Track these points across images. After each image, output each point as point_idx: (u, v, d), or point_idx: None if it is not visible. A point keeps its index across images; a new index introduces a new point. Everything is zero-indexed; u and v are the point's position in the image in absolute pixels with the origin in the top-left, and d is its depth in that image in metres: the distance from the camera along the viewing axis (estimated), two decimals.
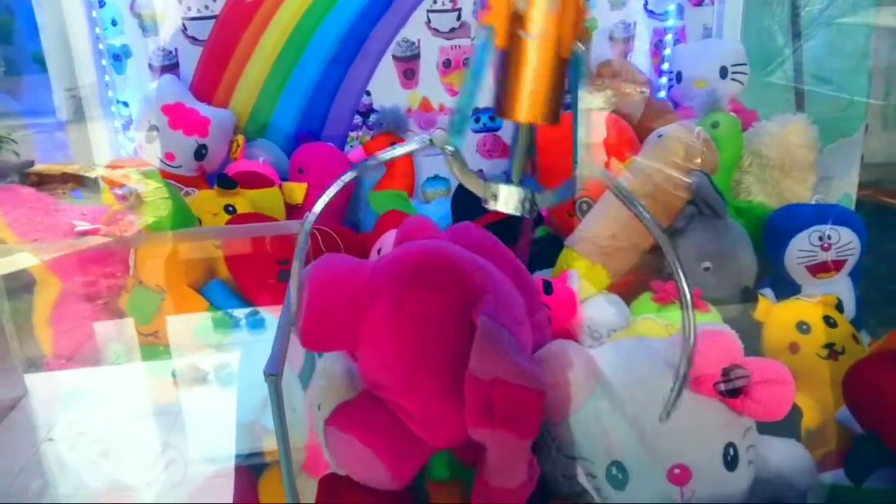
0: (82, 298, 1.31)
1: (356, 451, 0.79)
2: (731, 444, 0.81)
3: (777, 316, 1.27)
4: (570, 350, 0.87)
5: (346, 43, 1.87)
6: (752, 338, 0.88)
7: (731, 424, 0.82)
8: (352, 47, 1.88)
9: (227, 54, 1.84)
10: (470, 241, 0.96)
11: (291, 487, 0.74)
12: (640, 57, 2.05)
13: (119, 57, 1.87)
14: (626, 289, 1.34)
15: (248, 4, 1.81)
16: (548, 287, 1.24)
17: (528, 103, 0.65)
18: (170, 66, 1.84)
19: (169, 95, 1.74)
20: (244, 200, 1.55)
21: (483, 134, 1.99)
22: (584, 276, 1.32)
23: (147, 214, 1.33)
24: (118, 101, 1.90)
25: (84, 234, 1.27)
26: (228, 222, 1.49)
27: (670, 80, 2.03)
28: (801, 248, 1.40)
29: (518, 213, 0.71)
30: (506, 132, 1.99)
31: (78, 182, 1.47)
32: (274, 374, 0.68)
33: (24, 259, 1.28)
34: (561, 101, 0.66)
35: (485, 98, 2.06)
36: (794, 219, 1.45)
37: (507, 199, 0.71)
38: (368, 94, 1.93)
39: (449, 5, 1.88)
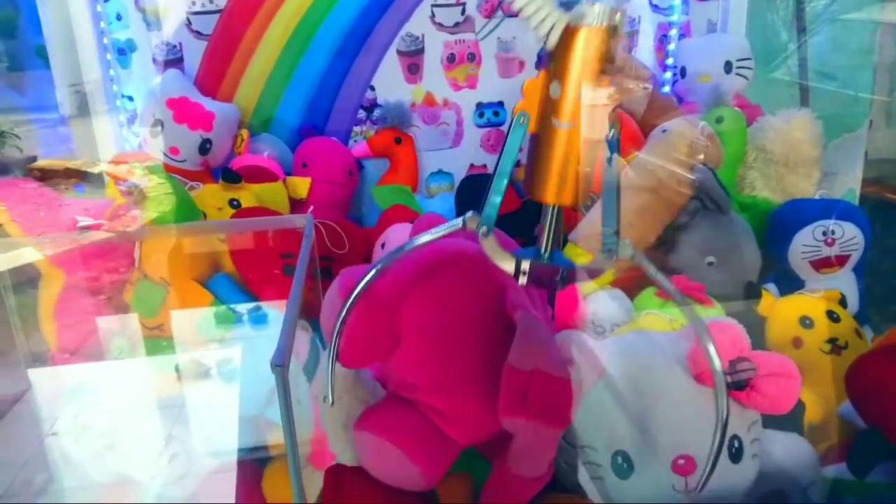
0: (86, 292, 1.32)
1: (388, 453, 0.79)
2: (735, 437, 0.81)
3: (780, 311, 1.27)
4: (574, 340, 0.87)
5: (350, 37, 1.87)
6: (755, 332, 0.87)
7: (737, 417, 0.82)
8: (356, 42, 1.88)
9: (231, 49, 1.84)
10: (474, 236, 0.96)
11: (297, 478, 0.74)
12: (645, 52, 2.05)
13: (124, 51, 1.87)
14: (630, 284, 1.34)
15: None
16: None
17: (556, 187, 0.66)
18: (174, 60, 1.84)
19: (173, 90, 1.74)
20: (248, 194, 1.55)
21: (487, 129, 1.99)
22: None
23: (150, 210, 1.33)
24: (123, 96, 1.91)
25: (86, 229, 1.28)
26: (233, 216, 1.49)
27: (675, 74, 2.02)
28: (805, 244, 1.40)
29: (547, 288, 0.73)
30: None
31: (81, 177, 1.47)
32: (281, 365, 0.68)
33: (30, 253, 1.29)
34: (589, 183, 0.67)
35: (489, 92, 2.05)
36: (798, 214, 1.45)
37: (538, 280, 0.73)
38: (372, 88, 1.93)
39: (453, 0, 1.88)
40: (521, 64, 1.95)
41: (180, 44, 1.84)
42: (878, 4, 1.90)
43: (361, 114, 1.95)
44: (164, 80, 1.76)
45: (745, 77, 1.90)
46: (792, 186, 1.60)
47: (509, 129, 0.67)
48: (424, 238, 0.74)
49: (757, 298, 1.27)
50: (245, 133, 1.81)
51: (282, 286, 1.31)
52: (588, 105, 0.63)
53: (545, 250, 0.71)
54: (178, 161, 1.72)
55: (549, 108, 0.65)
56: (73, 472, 1.14)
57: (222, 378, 1.26)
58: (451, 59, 1.92)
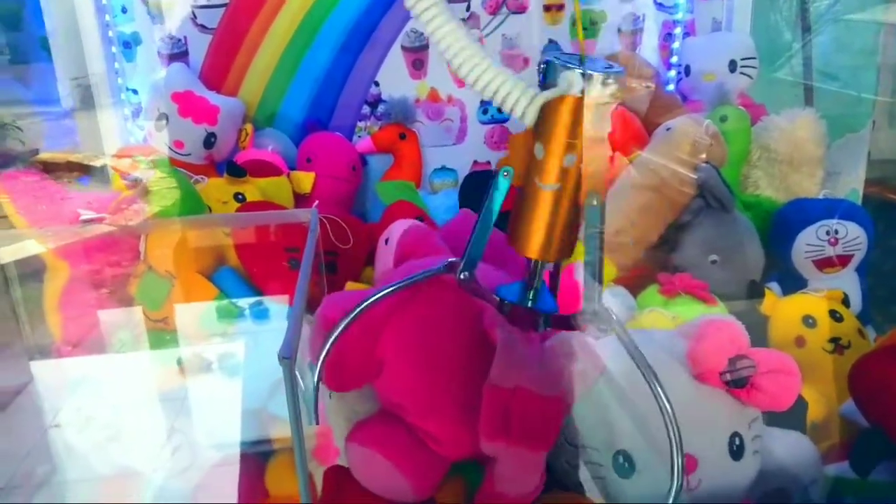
0: (91, 285, 1.32)
1: (378, 465, 0.79)
2: (736, 434, 0.81)
3: (783, 310, 1.27)
4: (574, 339, 0.87)
5: (354, 33, 1.87)
6: (758, 331, 0.88)
7: (737, 414, 0.82)
8: (360, 37, 1.88)
9: (236, 43, 1.84)
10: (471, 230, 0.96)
11: (303, 469, 0.74)
12: (649, 50, 2.05)
13: (129, 44, 1.87)
14: (632, 283, 1.35)
15: None
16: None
17: (539, 244, 0.66)
18: (179, 54, 1.84)
19: (178, 83, 1.74)
20: (253, 189, 1.55)
21: (491, 125, 1.99)
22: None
23: (152, 204, 1.34)
24: (127, 89, 1.91)
25: (89, 222, 1.28)
26: (238, 210, 1.50)
27: (679, 73, 2.02)
28: (808, 243, 1.41)
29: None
30: (514, 125, 1.99)
31: (83, 170, 1.48)
32: (288, 357, 0.68)
33: (35, 245, 1.29)
34: (573, 240, 0.68)
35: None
36: (801, 213, 1.45)
37: (519, 319, 0.74)
38: (377, 84, 1.93)
39: None
40: (526, 60, 1.94)
41: (185, 37, 1.84)
42: (882, 5, 1.90)
43: (366, 109, 1.95)
44: (170, 74, 1.76)
45: (749, 76, 1.90)
46: (795, 186, 1.60)
47: (493, 183, 0.67)
48: (408, 281, 0.76)
49: (760, 297, 1.27)
50: (249, 127, 1.81)
51: (286, 280, 1.32)
52: (590, 103, 0.63)
53: (529, 300, 0.72)
54: (182, 154, 1.73)
55: (533, 167, 0.64)
56: (76, 463, 1.14)
57: (225, 371, 1.27)
58: None
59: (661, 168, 1.40)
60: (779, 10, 2.07)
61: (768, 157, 1.62)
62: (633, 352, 0.69)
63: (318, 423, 0.79)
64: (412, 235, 0.95)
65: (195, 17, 1.82)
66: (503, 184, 0.67)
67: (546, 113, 0.62)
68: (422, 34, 1.89)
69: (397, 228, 1.40)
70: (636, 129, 1.69)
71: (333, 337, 0.73)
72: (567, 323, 0.72)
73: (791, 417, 0.91)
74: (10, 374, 1.20)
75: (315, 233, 1.15)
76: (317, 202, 1.48)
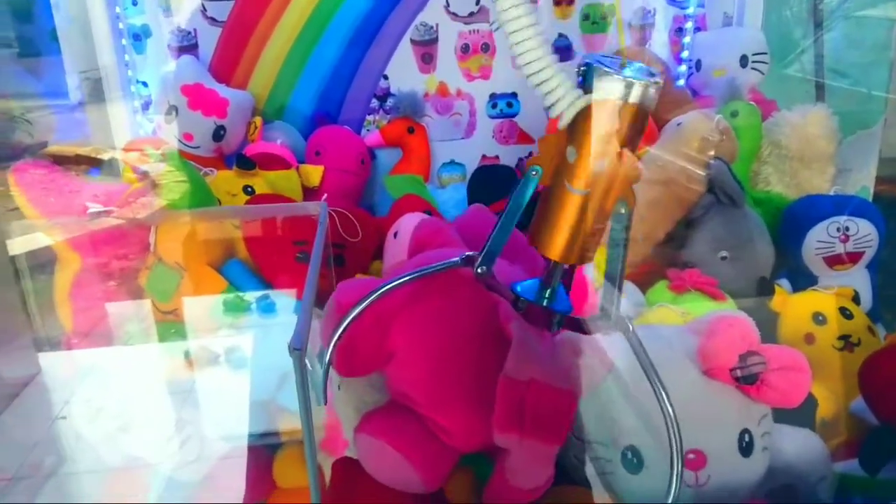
0: (102, 276, 1.32)
1: (388, 456, 0.79)
2: (746, 431, 0.81)
3: (793, 306, 1.27)
4: (583, 336, 0.87)
5: (364, 26, 1.87)
6: (767, 328, 0.88)
7: (747, 411, 0.82)
8: (370, 30, 1.88)
9: (245, 36, 1.84)
10: (483, 226, 0.96)
11: (313, 459, 0.74)
12: (660, 44, 2.04)
13: (139, 37, 1.88)
14: (641, 279, 1.34)
15: None
16: None
17: (562, 246, 0.66)
18: (189, 46, 1.84)
19: (188, 76, 1.75)
20: (262, 181, 1.56)
21: (500, 120, 1.99)
22: (598, 266, 1.32)
23: (161, 197, 1.34)
24: (137, 82, 1.91)
25: (97, 216, 1.28)
26: (247, 203, 1.50)
27: (690, 68, 2.01)
28: (819, 239, 1.40)
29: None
30: (522, 119, 1.99)
31: (92, 163, 1.48)
32: (299, 348, 0.68)
33: (46, 237, 1.30)
34: (596, 246, 0.67)
35: (503, 83, 2.05)
36: (812, 210, 1.44)
37: (533, 317, 0.73)
38: (386, 77, 1.93)
39: None
40: None
41: (195, 30, 1.84)
42: (894, 1, 1.88)
43: (374, 103, 1.95)
44: (179, 67, 1.77)
45: (760, 71, 1.89)
46: (806, 182, 1.59)
47: (520, 181, 0.67)
48: (424, 271, 0.76)
49: (770, 294, 1.27)
50: (258, 120, 1.81)
51: (294, 273, 1.32)
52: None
53: (545, 299, 0.71)
54: (191, 147, 1.73)
55: (563, 169, 0.64)
56: (84, 455, 1.15)
57: (233, 364, 1.27)
58: (465, 50, 1.92)
59: (670, 164, 1.39)
60: (790, 6, 2.06)
61: (779, 154, 1.61)
62: (641, 354, 0.68)
63: (325, 404, 0.79)
64: (427, 227, 0.95)
65: (205, 9, 1.82)
66: (531, 182, 0.66)
67: (582, 117, 0.61)
68: (431, 27, 1.89)
69: (406, 222, 1.40)
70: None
71: (347, 322, 0.73)
72: (580, 326, 0.72)
73: (800, 414, 0.90)
74: (18, 366, 1.21)
75: (324, 226, 1.15)
76: (325, 195, 1.48)
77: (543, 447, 0.74)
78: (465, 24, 1.90)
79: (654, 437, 0.81)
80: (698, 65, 1.97)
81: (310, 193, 1.68)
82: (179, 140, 1.72)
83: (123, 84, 1.91)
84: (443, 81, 1.94)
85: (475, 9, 1.89)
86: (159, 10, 1.83)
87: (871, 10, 1.93)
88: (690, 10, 2.00)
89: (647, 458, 0.81)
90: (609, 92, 0.59)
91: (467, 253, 0.73)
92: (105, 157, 1.50)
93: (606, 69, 0.59)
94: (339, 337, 0.73)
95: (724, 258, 1.36)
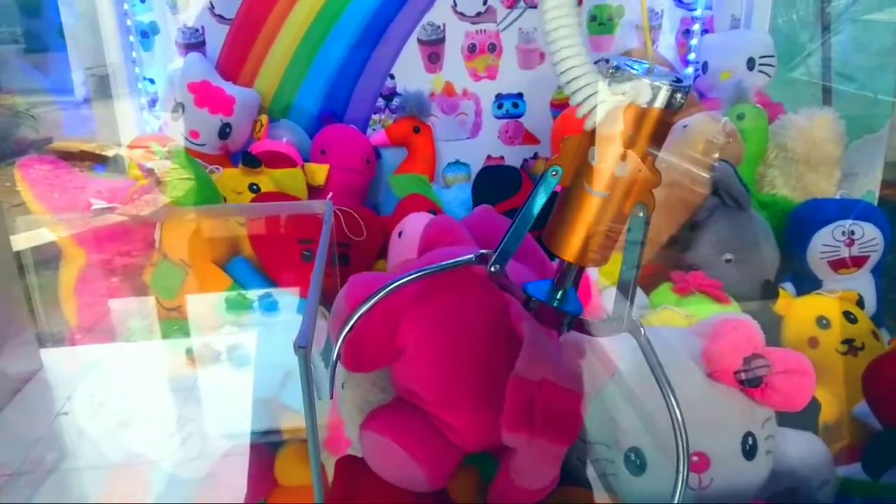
0: (107, 272, 1.33)
1: (393, 454, 0.79)
2: (749, 434, 0.81)
3: (797, 310, 1.27)
4: (586, 338, 0.87)
5: (371, 25, 1.87)
6: (772, 331, 0.87)
7: (751, 414, 0.82)
8: (377, 30, 1.88)
9: (253, 34, 1.84)
10: (490, 226, 0.96)
11: (316, 457, 0.74)
12: (667, 46, 2.03)
13: (147, 34, 1.88)
14: (645, 281, 1.34)
15: None
16: None
17: (577, 248, 0.65)
18: (196, 44, 1.85)
19: (195, 73, 1.75)
20: (267, 179, 1.56)
21: (505, 120, 1.98)
22: (601, 270, 1.32)
23: (166, 194, 1.34)
24: (145, 78, 1.92)
25: (100, 212, 1.28)
26: (253, 201, 1.50)
27: (696, 69, 2.01)
28: (824, 243, 1.40)
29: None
30: (528, 120, 1.99)
31: (96, 160, 1.48)
32: (304, 346, 0.68)
33: (50, 232, 1.30)
34: (612, 247, 0.66)
35: (509, 83, 2.04)
36: (818, 213, 1.44)
37: (544, 317, 0.73)
38: (392, 77, 1.93)
39: None
40: (542, 55, 1.94)
41: (202, 27, 1.84)
42: None
43: (380, 102, 1.95)
44: (186, 64, 1.77)
45: (767, 74, 1.88)
46: (812, 185, 1.58)
47: (539, 180, 0.67)
48: (436, 268, 0.75)
49: (774, 297, 1.27)
50: (264, 118, 1.81)
51: (299, 271, 1.32)
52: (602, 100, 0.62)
53: (557, 300, 0.71)
54: (198, 144, 1.73)
55: (584, 170, 0.63)
56: (86, 450, 1.15)
57: (236, 361, 1.27)
58: (471, 49, 1.92)
59: (677, 165, 1.39)
60: (797, 9, 2.05)
61: (785, 157, 1.61)
62: (651, 358, 0.68)
63: (332, 398, 0.79)
64: (438, 225, 0.94)
65: (213, 7, 1.83)
66: (551, 183, 0.66)
67: (608, 119, 0.61)
68: (438, 27, 1.89)
69: (411, 221, 1.40)
70: None
71: (356, 317, 0.73)
72: (584, 327, 0.72)
73: (804, 418, 0.90)
74: (20, 361, 1.21)
75: (330, 224, 1.15)
76: (331, 194, 1.48)
77: (552, 447, 0.74)
78: (473, 24, 1.90)
79: (657, 439, 0.81)
80: (705, 67, 1.97)
81: (315, 192, 1.68)
82: (186, 137, 1.73)
83: (130, 81, 1.91)
84: (449, 81, 1.94)
85: (482, 9, 1.88)
86: (167, 7, 1.83)
87: (878, 14, 1.93)
88: (698, 13, 2.00)
89: (650, 461, 0.81)
90: (636, 95, 0.59)
91: (481, 251, 0.72)
92: (110, 153, 1.51)
93: (635, 72, 0.59)
94: (349, 331, 0.73)
95: (728, 261, 1.35)
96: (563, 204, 0.66)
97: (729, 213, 1.36)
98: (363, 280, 0.80)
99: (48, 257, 1.35)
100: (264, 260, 1.36)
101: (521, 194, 1.69)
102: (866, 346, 1.20)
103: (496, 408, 0.71)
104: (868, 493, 0.93)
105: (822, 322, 1.22)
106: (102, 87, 1.91)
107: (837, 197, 1.55)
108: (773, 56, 1.88)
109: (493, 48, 1.92)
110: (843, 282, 1.41)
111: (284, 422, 1.13)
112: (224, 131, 1.74)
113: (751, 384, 0.82)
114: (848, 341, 1.20)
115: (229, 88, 1.77)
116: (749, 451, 0.81)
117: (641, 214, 0.64)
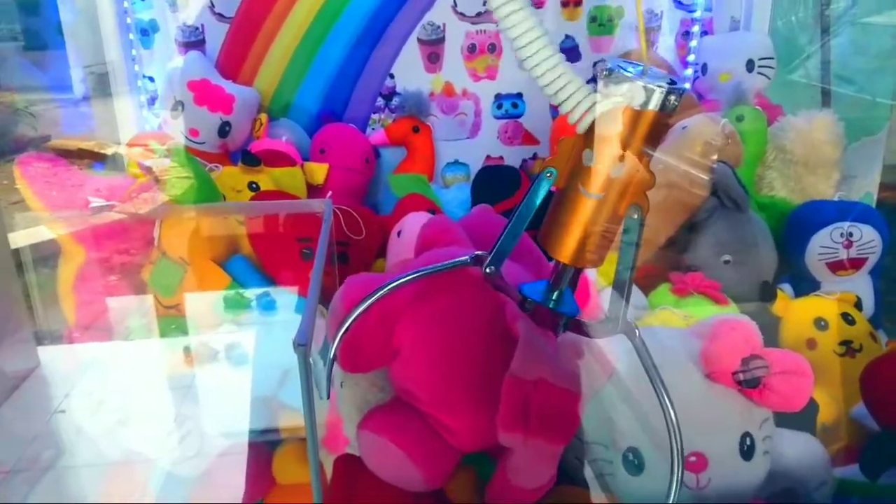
0: (105, 270, 1.33)
1: (390, 454, 0.79)
2: (747, 434, 0.81)
3: (795, 311, 1.27)
4: (584, 338, 0.87)
5: (371, 25, 1.87)
6: (770, 333, 0.88)
7: (749, 414, 0.82)
8: (377, 29, 1.88)
9: (253, 32, 1.84)
10: (489, 226, 0.96)
11: (315, 455, 0.74)
12: (666, 48, 2.04)
13: (147, 31, 1.88)
14: (643, 282, 1.34)
15: None
16: None
17: (573, 249, 0.65)
18: (196, 42, 1.85)
19: (195, 71, 1.75)
20: (267, 178, 1.56)
21: (505, 120, 1.99)
22: (606, 271, 1.32)
23: (165, 192, 1.34)
24: (144, 76, 1.92)
25: (99, 210, 1.28)
26: (252, 199, 1.50)
27: (696, 71, 2.01)
28: (822, 245, 1.40)
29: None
30: (527, 120, 1.99)
31: (95, 158, 1.48)
32: (304, 344, 0.68)
33: (49, 230, 1.30)
34: (607, 248, 0.67)
35: (509, 83, 2.04)
36: (816, 215, 1.44)
37: (539, 318, 0.73)
38: (392, 76, 1.93)
39: None
40: None
41: (202, 25, 1.84)
42: None
43: (380, 101, 1.95)
44: (187, 62, 1.77)
45: (766, 76, 1.88)
46: (811, 187, 1.59)
47: (534, 182, 0.67)
48: (432, 269, 0.75)
49: (772, 299, 1.27)
50: (264, 117, 1.81)
51: (298, 269, 1.32)
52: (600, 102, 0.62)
53: (552, 301, 0.71)
54: (197, 143, 1.73)
55: (579, 172, 0.63)
56: (83, 448, 1.15)
57: (234, 360, 1.27)
58: (471, 50, 1.92)
59: (675, 167, 1.39)
60: (797, 12, 2.05)
61: (784, 158, 1.61)
62: (646, 360, 0.68)
63: (328, 398, 0.79)
64: (435, 226, 0.94)
65: (213, 5, 1.83)
66: (545, 184, 0.66)
67: (601, 121, 0.61)
68: (438, 27, 1.89)
69: (410, 221, 1.40)
70: None
71: (353, 317, 0.73)
72: (581, 328, 0.72)
73: (801, 419, 0.91)
74: (18, 359, 1.21)
75: (329, 223, 1.15)
76: (330, 193, 1.48)
77: (549, 447, 0.74)
78: (472, 24, 1.90)
79: (655, 439, 0.81)
80: (704, 68, 1.97)
81: (314, 191, 1.68)
82: (185, 135, 1.73)
83: (130, 79, 1.91)
84: (448, 81, 1.94)
85: (482, 9, 1.89)
86: (167, 5, 1.83)
87: (877, 17, 1.93)
88: (697, 14, 2.00)
89: (648, 460, 0.81)
90: (630, 98, 0.59)
91: (476, 252, 0.72)
92: (109, 151, 1.50)
93: (629, 75, 0.59)
94: (345, 332, 0.73)
95: (727, 262, 1.36)
96: (557, 205, 0.66)
97: (728, 215, 1.36)
98: (359, 281, 0.80)
99: (47, 255, 1.35)
100: (263, 258, 1.36)
101: (520, 194, 1.70)
102: (864, 348, 1.20)
103: (492, 408, 0.71)
104: (865, 495, 0.93)
105: (820, 323, 1.23)
106: (102, 85, 1.90)
107: (836, 199, 1.55)
108: (772, 58, 1.88)
109: (493, 48, 1.92)
110: (842, 283, 1.41)
111: (282, 421, 1.13)
112: (223, 130, 1.74)
113: (749, 385, 0.82)
114: (846, 343, 1.20)
115: (229, 87, 1.77)
116: (747, 451, 0.81)
117: (636, 216, 0.64)
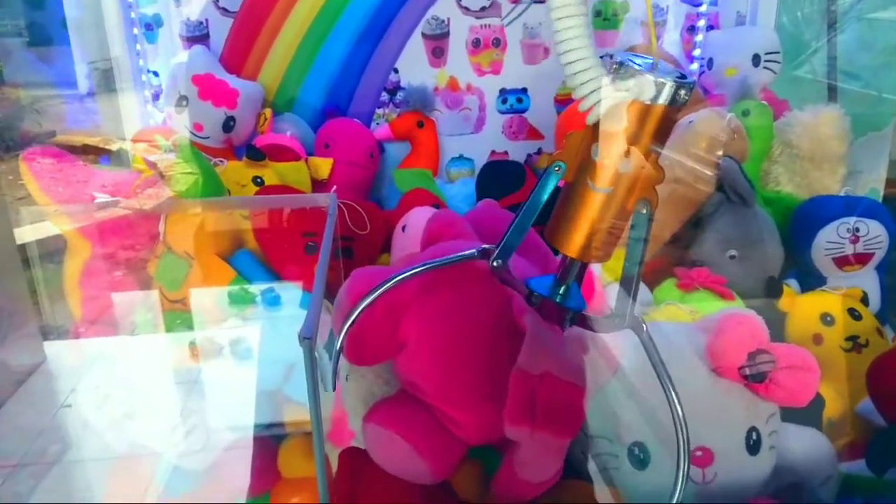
0: (111, 265, 1.33)
1: (396, 447, 0.79)
2: (753, 429, 0.81)
3: (801, 307, 1.27)
4: (590, 332, 0.87)
5: (375, 19, 1.87)
6: (776, 328, 0.87)
7: (755, 409, 0.82)
8: (381, 24, 1.88)
9: (257, 27, 1.84)
10: (494, 221, 0.96)
11: (320, 449, 0.75)
12: (672, 42, 2.03)
13: (151, 26, 1.88)
14: (649, 277, 1.34)
15: None
16: None
17: (580, 244, 0.65)
18: (200, 37, 1.85)
19: (199, 66, 1.75)
20: (271, 173, 1.56)
21: (509, 115, 1.98)
22: (613, 266, 1.32)
23: (170, 187, 1.34)
24: (149, 71, 1.92)
25: (105, 205, 1.29)
26: (256, 194, 1.50)
27: (702, 66, 2.00)
28: (829, 240, 1.39)
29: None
30: (532, 115, 1.98)
31: (100, 153, 1.48)
32: (309, 337, 0.68)
33: (55, 225, 1.30)
34: (615, 243, 0.66)
35: (513, 78, 2.04)
36: (822, 210, 1.43)
37: (546, 312, 0.73)
38: (396, 71, 1.93)
39: None
40: (546, 50, 1.94)
41: (206, 20, 1.84)
42: None
43: (384, 96, 1.95)
44: (191, 56, 1.77)
45: (772, 71, 1.88)
46: (817, 182, 1.58)
47: (542, 176, 0.66)
48: (439, 262, 0.75)
49: (778, 294, 1.27)
50: (268, 112, 1.81)
51: (303, 264, 1.32)
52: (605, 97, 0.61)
53: (559, 296, 0.71)
54: (201, 137, 1.73)
55: (587, 166, 0.63)
56: (89, 442, 1.15)
57: (240, 354, 1.27)
58: (476, 44, 1.92)
59: (681, 161, 1.39)
60: (803, 7, 2.04)
61: (790, 153, 1.60)
62: (653, 356, 0.68)
63: (334, 391, 0.79)
64: (441, 220, 0.94)
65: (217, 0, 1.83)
66: (553, 178, 0.66)
67: (611, 115, 0.61)
68: (443, 21, 1.89)
69: (414, 216, 1.40)
70: None
71: (359, 310, 0.73)
72: (587, 323, 0.72)
73: (807, 414, 0.90)
74: (24, 354, 1.21)
75: (334, 217, 1.15)
76: (335, 187, 1.48)
77: (555, 440, 0.74)
78: (477, 18, 1.90)
79: (660, 433, 0.81)
80: (710, 63, 1.96)
81: (318, 186, 1.68)
82: (189, 130, 1.73)
83: (134, 74, 1.91)
84: (453, 76, 1.94)
85: (487, 3, 1.88)
86: (171, 0, 1.83)
87: (883, 13, 1.92)
88: (703, 9, 1.99)
89: (654, 455, 0.81)
90: (640, 92, 0.59)
91: (484, 246, 0.72)
92: (113, 146, 1.51)
93: (639, 68, 0.59)
94: (351, 325, 0.73)
95: (732, 257, 1.35)
96: (565, 200, 0.65)
97: (733, 210, 1.36)
98: (365, 274, 0.80)
99: (52, 250, 1.35)
100: (268, 253, 1.36)
101: (524, 189, 1.69)
102: (870, 343, 1.20)
103: (499, 401, 0.71)
104: (871, 490, 0.93)
105: (827, 319, 1.22)
106: (106, 80, 1.91)
107: (842, 194, 1.55)
108: (778, 52, 1.88)
109: (498, 43, 1.92)
110: (848, 279, 1.41)
111: (288, 414, 1.13)
112: (228, 124, 1.74)
113: (755, 379, 0.82)
114: (852, 338, 1.20)
115: (233, 81, 1.77)
116: (753, 446, 0.81)
117: (644, 211, 0.64)
